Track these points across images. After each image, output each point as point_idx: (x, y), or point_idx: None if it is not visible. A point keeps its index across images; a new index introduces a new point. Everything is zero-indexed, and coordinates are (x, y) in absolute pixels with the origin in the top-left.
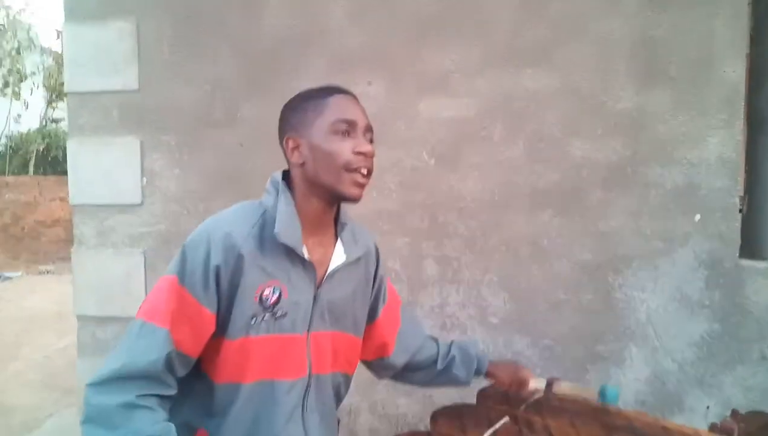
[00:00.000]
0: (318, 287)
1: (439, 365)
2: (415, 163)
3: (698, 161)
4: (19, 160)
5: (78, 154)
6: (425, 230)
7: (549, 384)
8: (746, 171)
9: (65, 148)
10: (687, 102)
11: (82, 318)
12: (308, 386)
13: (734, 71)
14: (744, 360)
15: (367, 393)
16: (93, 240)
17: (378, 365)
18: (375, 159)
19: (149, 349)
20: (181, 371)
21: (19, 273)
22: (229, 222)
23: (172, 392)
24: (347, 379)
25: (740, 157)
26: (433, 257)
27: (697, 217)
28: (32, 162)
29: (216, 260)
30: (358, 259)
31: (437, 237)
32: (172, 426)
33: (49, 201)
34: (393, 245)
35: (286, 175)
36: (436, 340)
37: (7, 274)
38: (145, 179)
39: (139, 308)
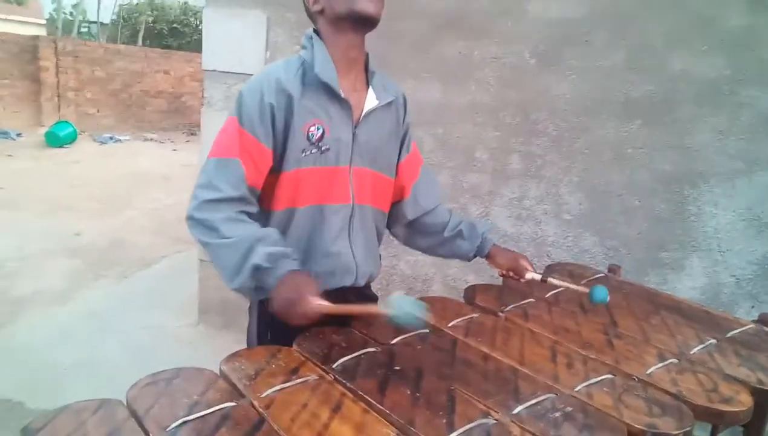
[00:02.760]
0: (356, 127)
1: (447, 233)
2: (516, 61)
3: None
4: (128, 29)
5: (212, 23)
6: (516, 126)
7: (543, 279)
8: None
9: (171, 23)
10: None
11: None
12: (352, 212)
13: None
14: None
15: (441, 268)
16: (220, 103)
17: (393, 211)
18: (477, 54)
19: (229, 176)
20: (255, 199)
21: (128, 137)
22: (278, 70)
23: (257, 210)
24: (384, 216)
25: None
26: (519, 153)
27: None
28: (140, 33)
29: (269, 99)
30: (389, 103)
31: (526, 134)
32: (273, 229)
33: (155, 72)
34: (483, 136)
35: (316, 32)
36: (449, 211)
37: (118, 136)
38: (269, 53)
39: (210, 151)
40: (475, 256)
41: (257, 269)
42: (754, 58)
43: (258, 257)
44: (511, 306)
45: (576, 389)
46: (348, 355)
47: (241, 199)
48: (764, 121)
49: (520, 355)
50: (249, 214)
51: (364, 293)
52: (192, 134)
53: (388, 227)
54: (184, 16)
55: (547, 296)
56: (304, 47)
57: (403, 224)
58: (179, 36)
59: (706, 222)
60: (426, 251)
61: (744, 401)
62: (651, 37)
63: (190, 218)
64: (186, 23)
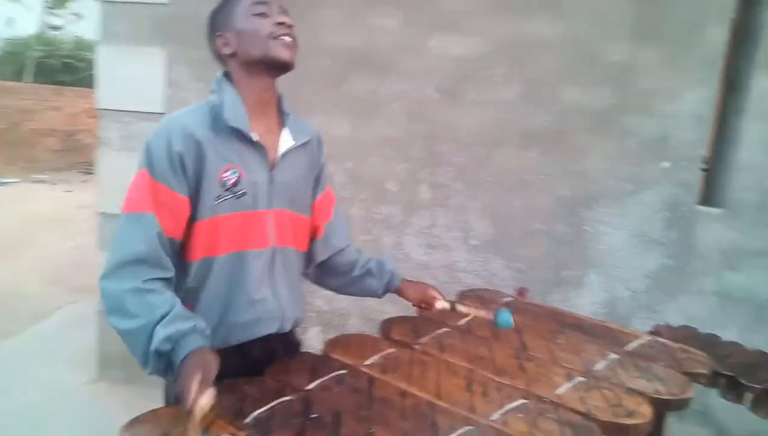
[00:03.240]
0: (272, 169)
1: (356, 272)
2: (421, 95)
3: (673, 114)
4: (13, 65)
5: (107, 60)
6: (423, 158)
7: (452, 306)
8: (716, 127)
9: (64, 58)
10: (671, 59)
11: (104, 215)
12: (273, 256)
13: (718, 34)
14: (686, 292)
15: (358, 301)
16: (117, 143)
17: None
18: (384, 90)
19: (140, 233)
20: (172, 253)
21: (16, 179)
22: (184, 117)
23: (171, 273)
24: (303, 256)
25: (712, 114)
26: (427, 183)
27: (666, 164)
28: (28, 69)
29: (177, 147)
30: (305, 144)
31: (433, 165)
32: (179, 301)
33: (46, 109)
34: (393, 169)
35: (226, 75)
36: (358, 250)
37: (5, 179)
38: (171, 90)
39: (122, 207)
40: (385, 292)
41: (161, 355)
42: (635, 88)
43: (157, 341)
44: (427, 337)
45: (492, 418)
46: (261, 407)
47: (152, 261)
48: (647, 147)
49: (437, 387)
50: (162, 280)
51: (289, 340)
52: (89, 173)
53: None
54: (78, 50)
55: (461, 323)
56: (213, 91)
57: (314, 264)
58: (73, 71)
59: (602, 241)
60: (337, 290)
61: (645, 413)
62: (545, 72)
63: (100, 285)
64: (80, 58)
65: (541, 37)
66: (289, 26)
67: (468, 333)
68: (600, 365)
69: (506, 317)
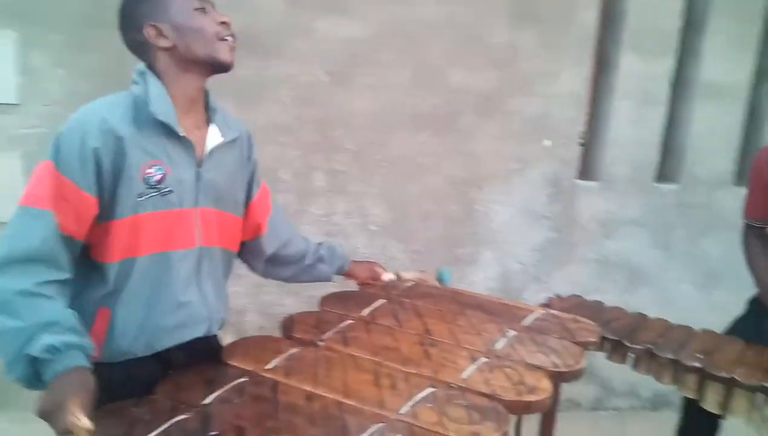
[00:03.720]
0: (199, 166)
1: (308, 260)
2: (310, 79)
3: (552, 94)
4: None
5: None
6: (316, 144)
7: (398, 276)
8: (591, 106)
9: None
10: (548, 41)
11: None
12: (200, 256)
13: (589, 16)
14: (571, 261)
15: (255, 295)
16: None
17: (252, 248)
18: (270, 73)
19: (36, 230)
20: (71, 254)
21: None
22: (103, 108)
23: (68, 275)
24: (232, 256)
25: (586, 93)
26: (322, 170)
27: (547, 143)
28: None
29: (93, 143)
30: (234, 140)
31: (327, 151)
32: (73, 312)
33: None
34: (285, 156)
35: (149, 68)
36: (304, 238)
37: None
38: (23, 78)
39: (20, 199)
40: (335, 275)
41: (33, 361)
42: (515, 70)
43: (38, 346)
44: (331, 332)
45: (402, 411)
46: (153, 430)
47: (46, 260)
48: (530, 126)
49: (344, 386)
50: (56, 283)
51: (211, 345)
52: None
53: (247, 263)
54: None
55: (363, 314)
56: (135, 82)
57: (263, 259)
58: None
59: (492, 218)
60: (289, 280)
61: (545, 388)
62: (432, 56)
63: None
64: None
65: (428, 21)
66: (230, 25)
67: (372, 323)
68: (500, 344)
69: (447, 274)
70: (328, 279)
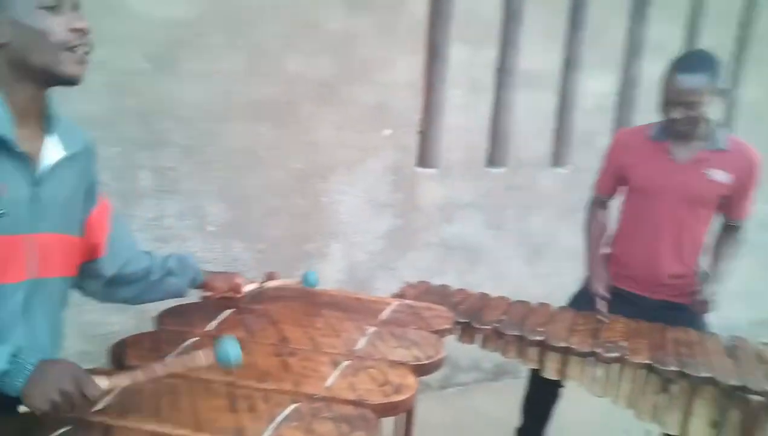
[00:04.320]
0: (37, 184)
1: (154, 276)
2: (128, 65)
3: (390, 83)
4: None
5: None
6: (140, 139)
7: (261, 286)
8: (426, 94)
9: None
10: (383, 29)
11: None
12: (34, 289)
13: (419, 6)
14: (414, 247)
15: (77, 315)
16: None
17: (89, 270)
18: None
19: None
20: None
21: None
22: None
23: None
24: (70, 282)
25: (421, 82)
26: (148, 168)
27: (387, 131)
28: None
29: None
30: (76, 154)
31: (153, 147)
32: None
33: None
34: (102, 154)
35: None
36: (148, 253)
37: None
38: None
39: None
40: (190, 288)
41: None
42: (354, 57)
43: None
44: (173, 354)
45: None
46: None
47: None
48: (370, 115)
49: (195, 417)
50: None
51: None
52: None
53: (81, 288)
54: None
55: (208, 329)
56: None
57: (101, 282)
58: None
59: (338, 210)
60: (132, 300)
61: (411, 384)
62: (267, 41)
63: None
64: None
65: (260, 3)
66: (86, 33)
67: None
68: (361, 343)
69: (314, 277)
70: (181, 294)
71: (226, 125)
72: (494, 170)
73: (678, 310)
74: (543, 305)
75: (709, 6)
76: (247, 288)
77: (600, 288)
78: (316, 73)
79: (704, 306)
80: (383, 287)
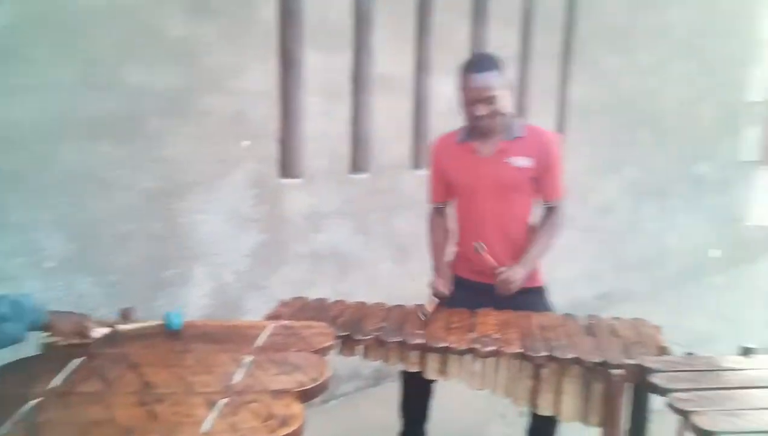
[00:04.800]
0: None
1: None
2: None
3: (244, 91)
4: None
5: None
6: None
7: (113, 327)
8: (282, 102)
9: None
10: (231, 35)
11: None
12: None
13: (269, 11)
14: (285, 261)
15: None
16: None
17: None
18: None
19: None
20: None
21: None
22: None
23: None
24: None
25: (275, 89)
26: None
27: (246, 142)
28: None
29: None
30: None
31: None
32: None
33: None
34: None
35: None
36: None
37: None
38: None
39: None
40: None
41: None
42: (202, 66)
43: None
44: (8, 424)
45: None
46: None
47: None
48: (226, 126)
49: None
50: None
51: None
52: None
53: None
54: None
55: (54, 385)
56: None
57: None
58: None
59: (199, 229)
60: None
61: (297, 414)
62: (102, 50)
63: None
64: None
65: (90, 8)
66: None
67: (69, 394)
68: (238, 375)
69: (177, 318)
70: (18, 340)
71: (60, 146)
72: (358, 176)
73: (527, 293)
74: (419, 305)
75: (537, 11)
76: (97, 333)
77: (438, 285)
78: (160, 84)
79: (506, 286)
80: (255, 308)
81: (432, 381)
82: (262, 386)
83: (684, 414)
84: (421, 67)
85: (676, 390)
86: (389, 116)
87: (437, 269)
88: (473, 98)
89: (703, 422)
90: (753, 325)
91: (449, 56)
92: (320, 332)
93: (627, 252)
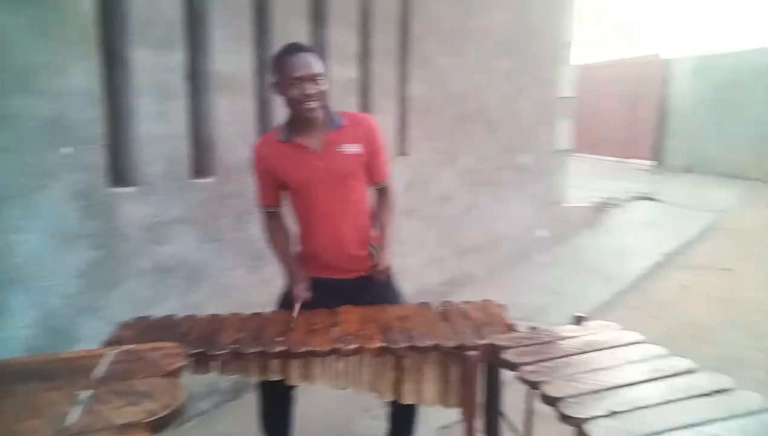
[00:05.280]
0: None
1: None
2: None
3: (62, 92)
4: None
5: None
6: None
7: None
8: (109, 103)
9: None
10: (42, 29)
11: None
12: None
13: (85, 5)
14: (124, 278)
15: None
16: None
17: None
18: None
19: None
20: None
21: None
22: None
23: None
24: None
25: (99, 90)
26: None
27: (67, 149)
28: None
29: None
30: None
31: None
32: None
33: None
34: None
35: None
36: None
37: None
38: None
39: None
40: None
41: None
42: (9, 63)
43: None
44: None
45: None
46: None
47: None
48: (43, 130)
49: None
50: None
51: None
52: None
53: None
54: None
55: None
56: None
57: None
58: None
59: (16, 251)
60: None
61: None
62: None
63: None
64: None
65: None
66: None
67: None
68: (74, 415)
69: None
70: None
71: None
72: (202, 181)
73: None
74: (277, 312)
75: (374, 11)
76: None
77: (299, 290)
78: None
79: (383, 273)
80: (91, 335)
81: (292, 387)
82: (104, 423)
83: (533, 385)
84: (264, 66)
85: (525, 363)
86: (233, 117)
87: (292, 273)
88: (299, 78)
89: (550, 390)
90: (577, 295)
91: None
92: (169, 352)
93: (466, 238)
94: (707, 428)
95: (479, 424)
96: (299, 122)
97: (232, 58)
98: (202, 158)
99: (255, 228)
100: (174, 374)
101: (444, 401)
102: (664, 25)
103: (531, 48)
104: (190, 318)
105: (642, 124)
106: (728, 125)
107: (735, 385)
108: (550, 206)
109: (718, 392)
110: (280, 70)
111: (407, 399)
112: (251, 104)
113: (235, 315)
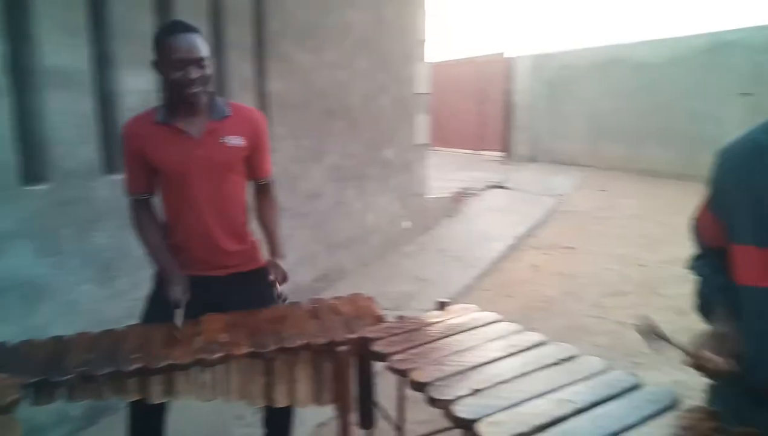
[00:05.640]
0: None
1: None
2: None
3: None
4: None
5: None
6: None
7: None
8: None
9: None
10: None
11: None
12: None
13: None
14: None
15: None
16: None
17: None
18: None
19: None
20: None
21: None
22: None
23: None
24: None
25: None
26: None
27: None
28: None
29: None
30: None
31: None
32: None
33: None
34: None
35: None
36: None
37: None
38: None
39: None
40: None
41: None
42: None
43: None
44: None
45: None
46: None
47: None
48: None
49: None
50: None
51: None
52: None
53: None
54: None
55: None
56: None
57: None
58: None
59: None
60: None
61: None
62: None
63: None
64: None
65: None
66: None
67: None
68: None
69: None
70: None
71: None
72: (35, 188)
73: (251, 275)
74: (132, 326)
75: (226, 5)
76: None
77: (176, 293)
78: None
79: (283, 277)
80: None
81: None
82: None
83: (402, 373)
84: (103, 60)
85: (394, 353)
86: (71, 116)
87: (167, 272)
88: (182, 60)
89: (418, 376)
90: (440, 281)
91: (134, 49)
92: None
93: (336, 233)
94: (558, 394)
95: (354, 417)
96: (179, 105)
97: (64, 51)
98: (32, 163)
99: (104, 237)
100: (7, 409)
101: (318, 399)
102: (508, 25)
103: (388, 46)
104: (28, 343)
105: (490, 119)
106: (563, 118)
107: (578, 352)
108: (412, 198)
109: (565, 360)
110: (161, 50)
111: (280, 402)
112: (91, 102)
113: (83, 334)
